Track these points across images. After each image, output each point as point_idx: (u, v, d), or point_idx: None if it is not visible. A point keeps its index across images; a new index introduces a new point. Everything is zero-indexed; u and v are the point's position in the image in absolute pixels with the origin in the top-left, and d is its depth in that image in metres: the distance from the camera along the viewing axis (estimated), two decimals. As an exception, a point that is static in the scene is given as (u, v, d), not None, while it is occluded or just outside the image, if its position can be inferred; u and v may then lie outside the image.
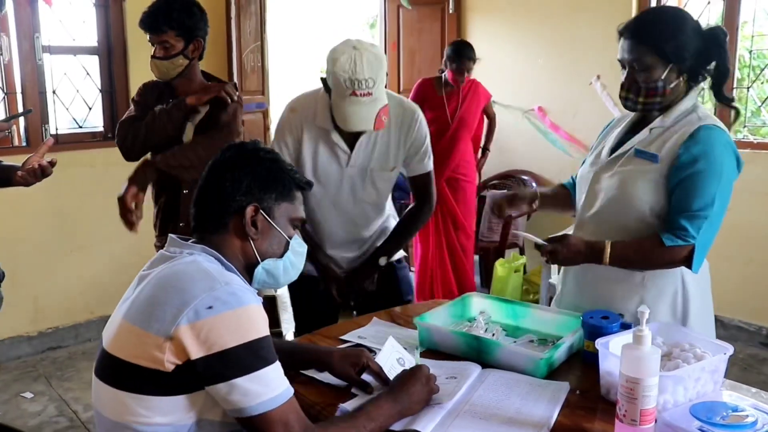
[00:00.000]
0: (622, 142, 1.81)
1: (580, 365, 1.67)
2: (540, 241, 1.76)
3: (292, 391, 1.26)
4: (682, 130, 1.71)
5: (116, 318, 1.32)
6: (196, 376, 1.20)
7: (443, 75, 4.20)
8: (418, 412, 1.39)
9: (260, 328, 1.23)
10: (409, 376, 1.42)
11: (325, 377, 1.59)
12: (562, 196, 2.07)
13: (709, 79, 1.76)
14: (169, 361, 1.20)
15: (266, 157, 1.43)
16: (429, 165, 2.21)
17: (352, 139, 2.08)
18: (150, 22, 2.37)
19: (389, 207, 2.34)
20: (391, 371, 1.51)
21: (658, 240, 1.69)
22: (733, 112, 1.80)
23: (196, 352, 1.18)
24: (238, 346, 1.19)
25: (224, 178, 1.38)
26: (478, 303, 1.96)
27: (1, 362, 3.61)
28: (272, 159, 1.43)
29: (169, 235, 1.42)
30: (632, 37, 1.70)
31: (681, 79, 1.71)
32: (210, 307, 1.20)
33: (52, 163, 2.14)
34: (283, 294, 2.76)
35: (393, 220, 2.36)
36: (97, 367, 1.32)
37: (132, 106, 2.55)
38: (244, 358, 1.19)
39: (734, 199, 3.84)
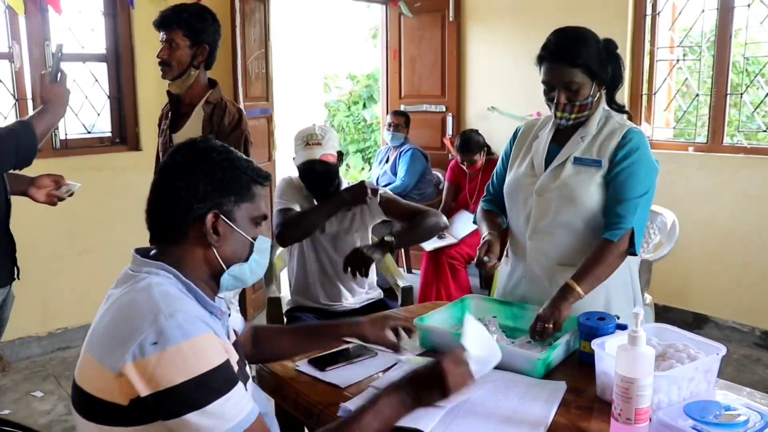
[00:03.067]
0: (553, 153, 1.94)
1: (577, 365, 1.70)
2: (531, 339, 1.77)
3: (254, 414, 1.20)
4: (613, 134, 1.89)
5: (85, 344, 1.27)
6: (150, 410, 1.16)
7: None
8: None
9: (209, 359, 1.16)
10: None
11: (327, 376, 1.62)
12: (500, 222, 2.13)
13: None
14: (123, 395, 1.16)
15: (220, 159, 1.32)
16: (404, 203, 2.71)
17: None
18: (162, 18, 2.49)
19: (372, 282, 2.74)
20: (483, 341, 1.44)
21: (605, 242, 1.82)
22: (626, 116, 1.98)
23: (143, 390, 1.13)
24: (186, 382, 1.13)
25: (178, 186, 1.29)
26: (476, 305, 2.00)
27: (12, 362, 3.66)
28: (227, 159, 1.32)
29: (132, 251, 1.34)
30: (561, 60, 1.83)
31: (600, 93, 1.89)
32: (155, 343, 1.14)
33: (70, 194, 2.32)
34: (287, 295, 2.83)
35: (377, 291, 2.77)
36: (72, 396, 1.28)
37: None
38: (192, 394, 1.14)
39: (729, 203, 3.94)
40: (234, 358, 1.25)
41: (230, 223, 1.31)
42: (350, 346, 1.78)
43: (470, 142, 4.46)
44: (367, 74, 9.29)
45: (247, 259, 1.36)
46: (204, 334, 1.18)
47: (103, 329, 1.21)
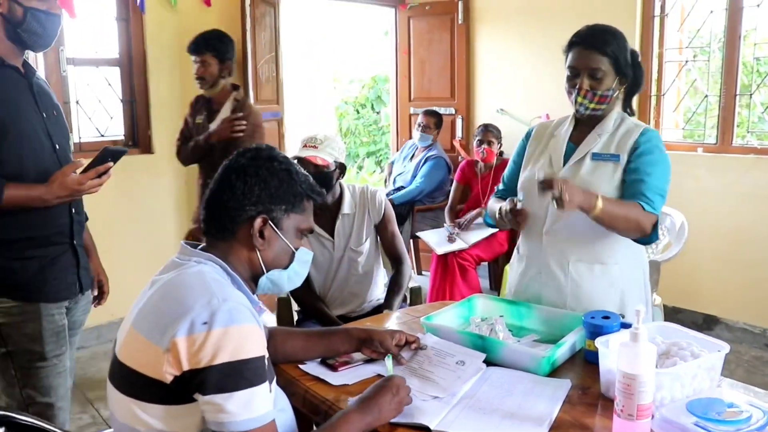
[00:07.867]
0: (570, 151, 1.98)
1: (582, 364, 1.72)
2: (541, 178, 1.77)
3: (271, 416, 1.25)
4: (630, 132, 1.93)
5: (126, 324, 1.32)
6: (187, 387, 1.20)
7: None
8: (389, 421, 1.40)
9: (251, 349, 1.21)
10: (379, 387, 1.42)
11: (334, 379, 1.64)
12: None
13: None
14: (167, 372, 1.20)
15: (280, 168, 1.40)
16: (396, 231, 2.65)
17: (330, 228, 2.57)
18: (194, 46, 3.34)
19: (381, 279, 2.73)
20: None
21: (638, 204, 1.84)
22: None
23: (186, 364, 1.18)
24: (224, 363, 1.18)
25: (235, 186, 1.36)
26: (483, 304, 2.02)
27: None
28: (286, 170, 1.40)
29: (181, 242, 1.41)
30: (592, 46, 1.88)
31: (620, 90, 1.92)
32: (205, 323, 1.19)
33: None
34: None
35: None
36: (110, 372, 1.33)
37: (183, 124, 3.56)
38: (227, 377, 1.18)
39: (738, 204, 3.94)
40: (267, 354, 1.30)
41: (276, 230, 1.39)
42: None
43: (491, 126, 4.56)
44: (372, 76, 9.32)
45: (287, 267, 1.44)
46: (250, 324, 1.24)
47: (153, 307, 1.27)
